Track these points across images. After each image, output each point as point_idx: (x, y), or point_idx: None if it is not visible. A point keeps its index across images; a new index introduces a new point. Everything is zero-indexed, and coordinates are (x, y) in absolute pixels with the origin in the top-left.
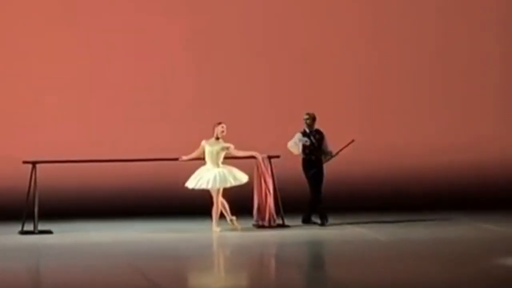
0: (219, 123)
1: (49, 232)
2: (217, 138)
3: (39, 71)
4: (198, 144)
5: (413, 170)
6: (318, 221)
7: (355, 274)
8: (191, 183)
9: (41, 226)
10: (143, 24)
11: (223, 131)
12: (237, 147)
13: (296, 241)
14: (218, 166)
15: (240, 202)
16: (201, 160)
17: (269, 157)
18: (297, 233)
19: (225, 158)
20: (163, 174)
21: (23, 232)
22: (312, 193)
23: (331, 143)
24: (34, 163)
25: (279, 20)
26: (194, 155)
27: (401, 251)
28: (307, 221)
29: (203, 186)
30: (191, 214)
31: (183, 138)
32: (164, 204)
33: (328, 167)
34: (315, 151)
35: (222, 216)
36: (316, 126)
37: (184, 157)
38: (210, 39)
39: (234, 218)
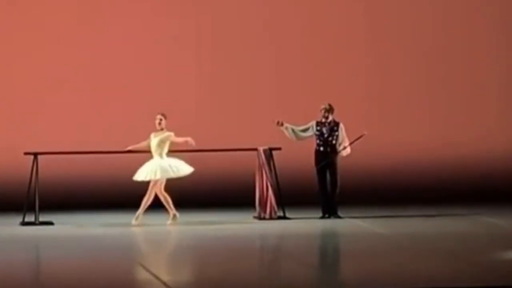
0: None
1: (50, 223)
2: (162, 129)
3: (41, 63)
4: (200, 138)
5: (416, 165)
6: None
7: (355, 266)
8: (135, 176)
9: (42, 217)
10: (144, 21)
11: (159, 123)
12: (239, 139)
13: (296, 233)
14: (161, 157)
15: (242, 194)
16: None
17: (271, 149)
18: (297, 225)
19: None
20: None
21: (24, 223)
22: (319, 185)
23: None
24: (35, 154)
25: (284, 17)
26: (140, 145)
27: (402, 245)
28: (326, 213)
29: (140, 179)
30: (190, 206)
31: (184, 134)
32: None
33: None
34: (324, 143)
35: (166, 209)
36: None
37: (130, 147)
38: (212, 33)
39: (177, 214)
